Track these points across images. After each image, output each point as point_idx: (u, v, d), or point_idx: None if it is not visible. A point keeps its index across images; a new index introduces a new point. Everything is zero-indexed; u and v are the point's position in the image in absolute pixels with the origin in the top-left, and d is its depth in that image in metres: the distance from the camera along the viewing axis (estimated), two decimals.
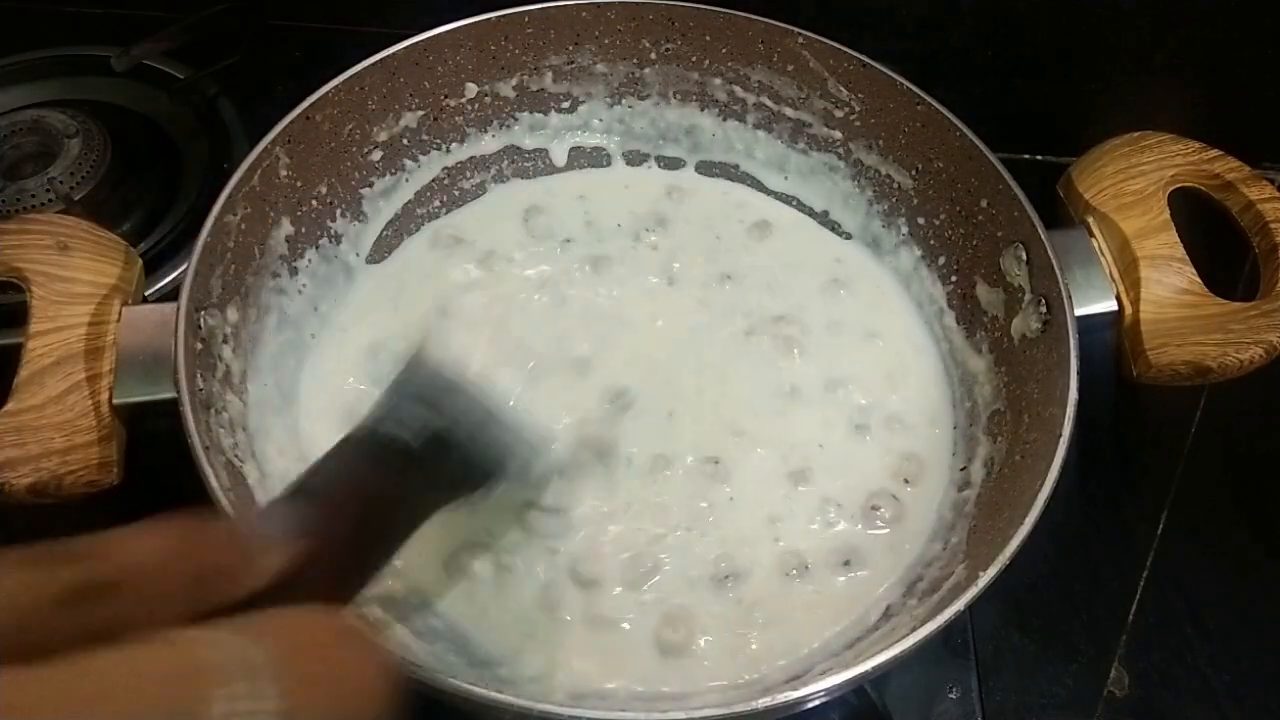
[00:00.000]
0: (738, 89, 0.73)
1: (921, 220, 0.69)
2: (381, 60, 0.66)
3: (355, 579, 0.36)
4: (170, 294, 0.59)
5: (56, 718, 0.19)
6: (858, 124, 0.70)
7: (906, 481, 0.60)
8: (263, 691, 0.21)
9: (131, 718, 0.20)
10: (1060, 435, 0.51)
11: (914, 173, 0.68)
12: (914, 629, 0.46)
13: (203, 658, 0.21)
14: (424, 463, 0.42)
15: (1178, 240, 0.62)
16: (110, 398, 0.54)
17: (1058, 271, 0.57)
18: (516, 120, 0.74)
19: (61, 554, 0.23)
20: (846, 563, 0.57)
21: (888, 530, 0.58)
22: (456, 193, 0.73)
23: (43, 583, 0.22)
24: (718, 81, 0.73)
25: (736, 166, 0.75)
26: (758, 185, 0.75)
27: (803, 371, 0.64)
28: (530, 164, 0.75)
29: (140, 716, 0.20)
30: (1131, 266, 0.61)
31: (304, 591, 0.29)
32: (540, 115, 0.74)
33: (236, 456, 0.54)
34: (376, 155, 0.69)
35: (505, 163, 0.74)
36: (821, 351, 0.66)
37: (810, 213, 0.73)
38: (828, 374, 0.64)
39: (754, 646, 0.54)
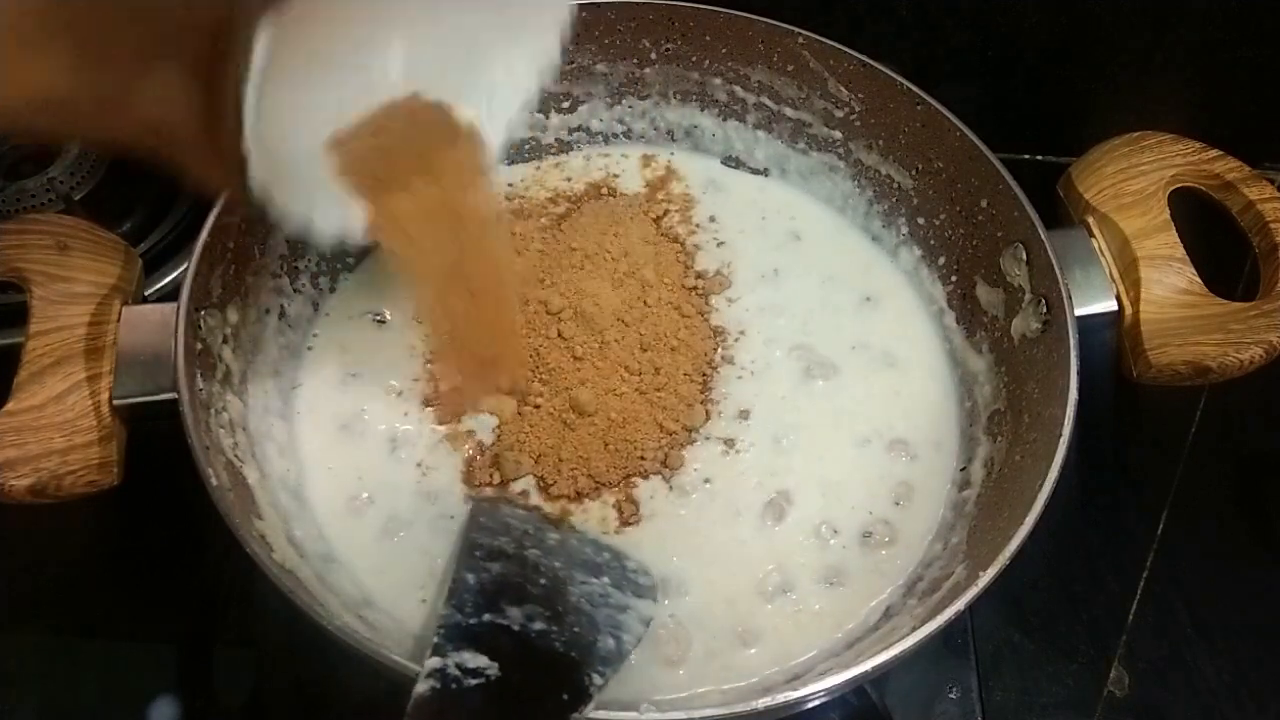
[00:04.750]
0: (738, 89, 0.73)
1: (921, 220, 0.69)
2: None
3: None
4: (170, 294, 0.59)
5: None
6: (858, 124, 0.70)
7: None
8: None
9: None
10: (1060, 435, 0.51)
11: (914, 173, 0.68)
12: (914, 629, 0.46)
13: None
14: (512, 690, 0.39)
15: (1178, 240, 0.62)
16: (110, 398, 0.54)
17: (1058, 271, 0.57)
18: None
19: None
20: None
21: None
22: None
23: None
24: (718, 81, 0.73)
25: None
26: None
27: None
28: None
29: None
30: (1131, 266, 0.61)
31: None
32: (540, 115, 0.74)
33: (236, 457, 0.54)
34: None
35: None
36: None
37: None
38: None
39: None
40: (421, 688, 0.39)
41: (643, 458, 0.60)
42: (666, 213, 0.72)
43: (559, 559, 0.42)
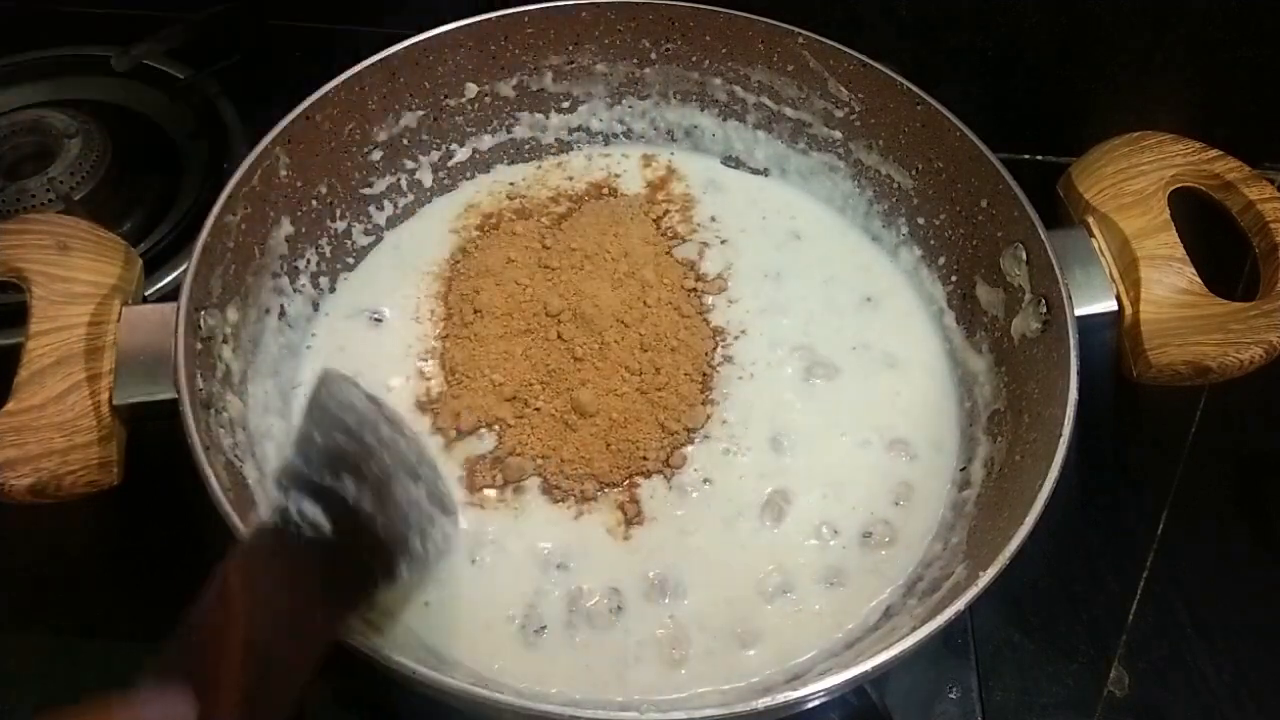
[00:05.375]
0: (738, 89, 0.73)
1: (921, 220, 0.69)
2: (381, 60, 0.66)
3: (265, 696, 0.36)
4: (170, 294, 0.59)
5: None
6: (858, 124, 0.70)
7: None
8: None
9: None
10: (1060, 435, 0.51)
11: (914, 173, 0.68)
12: (914, 629, 0.46)
13: None
14: (336, 556, 0.41)
15: (1178, 240, 0.62)
16: (110, 398, 0.54)
17: (1058, 271, 0.57)
18: (517, 120, 0.74)
19: None
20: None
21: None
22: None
23: None
24: (718, 81, 0.73)
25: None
26: None
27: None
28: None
29: None
30: (1131, 266, 0.61)
31: None
32: (540, 115, 0.74)
33: (236, 456, 0.54)
34: (377, 155, 0.69)
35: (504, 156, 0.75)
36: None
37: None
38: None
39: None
40: (267, 521, 0.41)
41: (644, 457, 0.60)
42: (667, 213, 0.72)
43: (388, 454, 0.44)
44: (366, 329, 0.66)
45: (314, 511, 0.41)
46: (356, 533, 0.42)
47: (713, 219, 0.72)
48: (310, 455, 0.42)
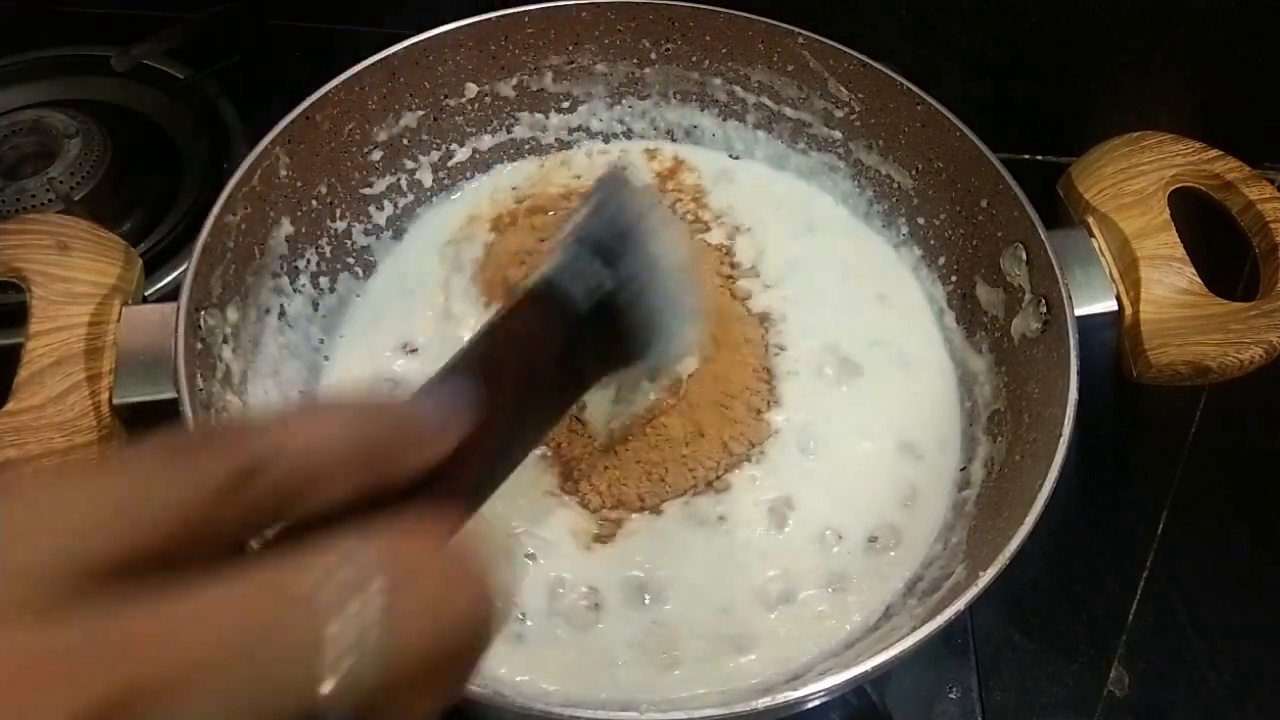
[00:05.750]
0: (738, 89, 0.73)
1: (921, 220, 0.69)
2: (381, 60, 0.66)
3: (507, 460, 0.34)
4: (170, 294, 0.59)
5: (162, 653, 0.19)
6: (858, 124, 0.70)
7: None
8: (370, 603, 0.21)
9: (249, 642, 0.20)
10: (1060, 435, 0.51)
11: (914, 173, 0.68)
12: (914, 629, 0.46)
13: (316, 580, 0.21)
14: (589, 329, 0.39)
15: (1178, 240, 0.62)
16: (110, 398, 0.54)
17: (1058, 271, 0.57)
18: (517, 120, 0.74)
19: (228, 439, 0.23)
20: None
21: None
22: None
23: (206, 473, 0.22)
24: (718, 81, 0.73)
25: None
26: None
27: None
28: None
29: (258, 637, 0.20)
30: (1131, 266, 0.61)
31: (462, 477, 0.28)
32: (540, 115, 0.74)
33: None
34: (377, 155, 0.69)
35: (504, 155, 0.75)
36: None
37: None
38: None
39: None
40: (537, 288, 0.39)
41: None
42: (679, 201, 0.72)
43: (647, 266, 0.43)
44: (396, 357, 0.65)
45: (585, 285, 0.40)
46: (617, 313, 0.41)
47: (730, 207, 0.72)
48: (594, 231, 0.42)
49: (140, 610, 0.19)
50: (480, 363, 0.34)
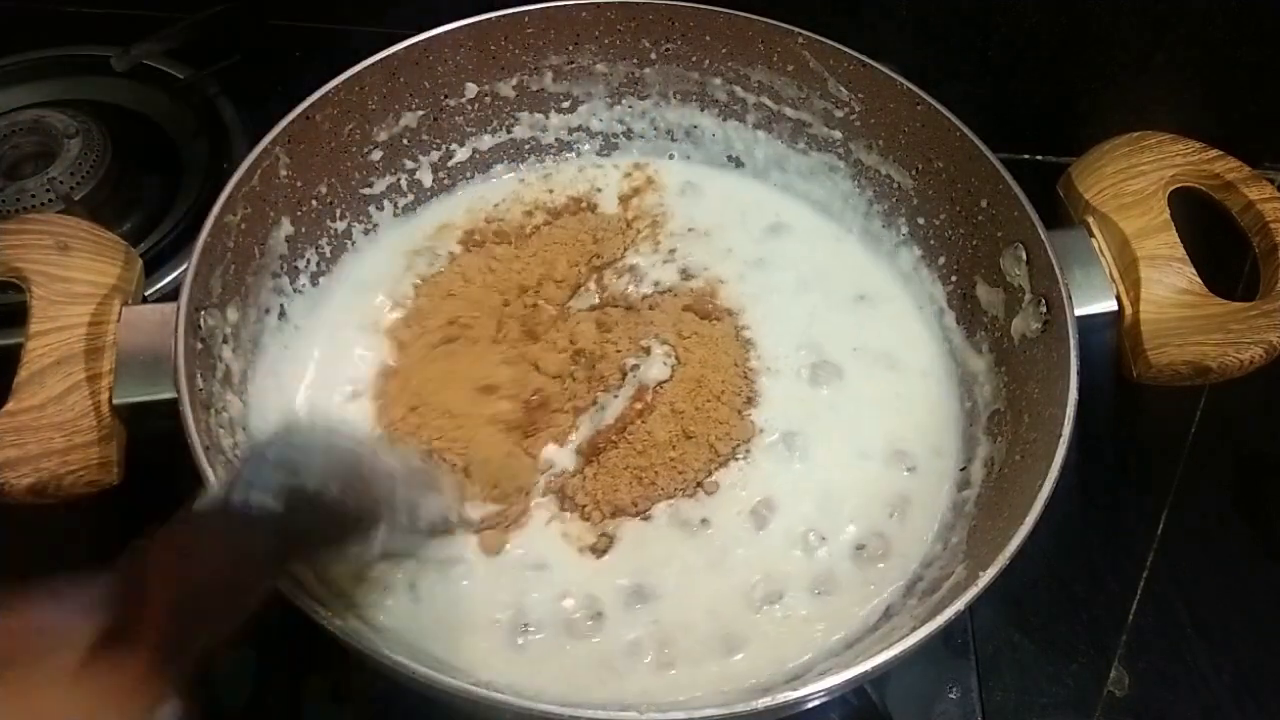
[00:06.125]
0: (738, 89, 0.73)
1: (921, 220, 0.69)
2: (381, 60, 0.66)
3: (186, 638, 0.36)
4: (170, 294, 0.59)
5: None
6: (858, 124, 0.70)
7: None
8: None
9: None
10: (1060, 435, 0.51)
11: (914, 173, 0.68)
12: (914, 629, 0.46)
13: None
14: (283, 521, 0.41)
15: (1178, 240, 0.62)
16: (110, 398, 0.54)
17: (1058, 271, 0.57)
18: (517, 120, 0.74)
19: None
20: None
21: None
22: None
23: None
24: (718, 81, 0.73)
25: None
26: None
27: None
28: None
29: None
30: (1131, 266, 0.61)
31: (122, 652, 0.31)
32: (540, 115, 0.74)
33: (236, 456, 0.54)
34: (376, 155, 0.69)
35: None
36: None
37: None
38: None
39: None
40: (211, 499, 0.41)
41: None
42: (637, 222, 0.72)
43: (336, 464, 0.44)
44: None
45: (264, 498, 0.41)
46: (312, 510, 0.42)
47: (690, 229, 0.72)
48: (259, 468, 0.42)
49: None
50: (135, 567, 0.38)
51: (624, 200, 0.74)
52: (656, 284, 0.69)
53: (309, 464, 0.42)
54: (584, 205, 0.73)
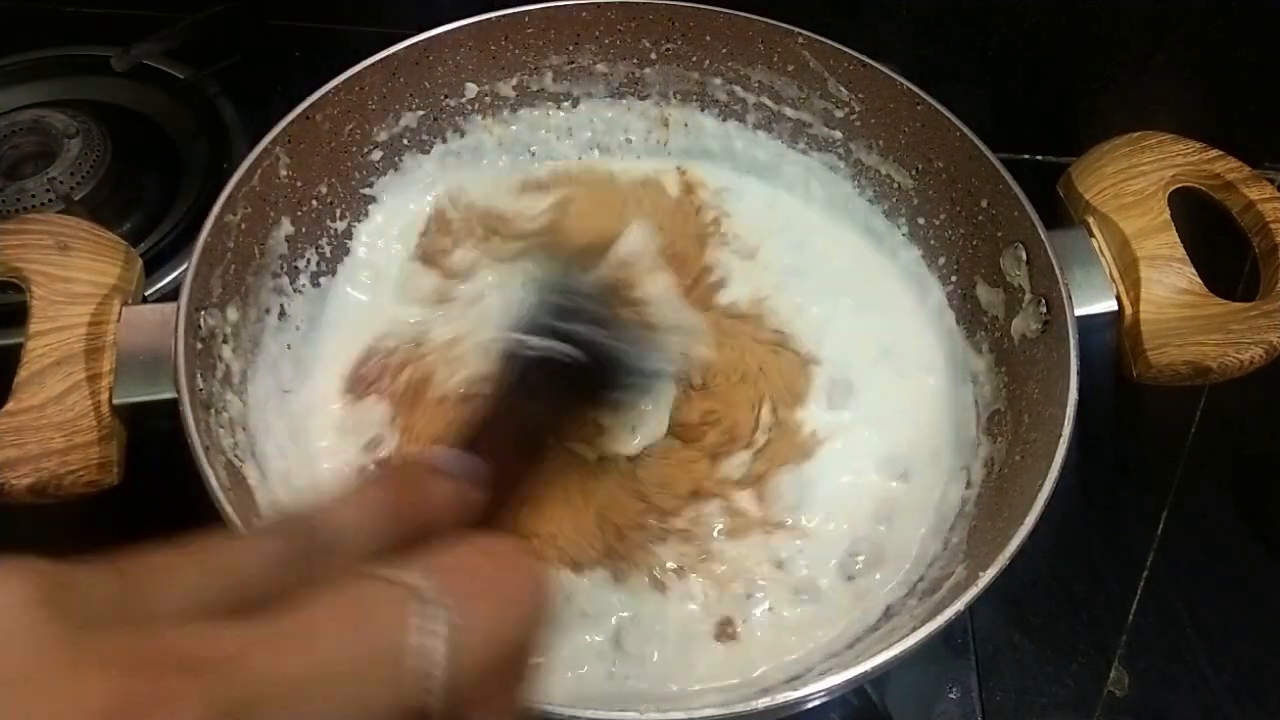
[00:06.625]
0: (738, 89, 0.73)
1: (921, 220, 0.69)
2: (381, 60, 0.66)
3: (518, 498, 0.39)
4: (170, 294, 0.59)
5: (270, 660, 0.22)
6: (858, 124, 0.70)
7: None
8: (436, 615, 0.24)
9: (336, 655, 0.23)
10: (1060, 435, 0.51)
11: (914, 173, 0.68)
12: (914, 629, 0.46)
13: (390, 594, 0.24)
14: (571, 376, 0.43)
15: (1178, 240, 0.62)
16: (110, 398, 0.54)
17: (1058, 271, 0.57)
18: (517, 120, 0.74)
19: (289, 522, 0.28)
20: None
21: None
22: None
23: (268, 547, 0.26)
24: (718, 81, 0.73)
25: None
26: None
27: None
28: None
29: (344, 651, 0.23)
30: (1131, 267, 0.61)
31: (483, 521, 0.33)
32: (540, 115, 0.74)
33: (236, 456, 0.54)
34: (377, 155, 0.69)
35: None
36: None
37: None
38: None
39: None
40: (510, 355, 0.43)
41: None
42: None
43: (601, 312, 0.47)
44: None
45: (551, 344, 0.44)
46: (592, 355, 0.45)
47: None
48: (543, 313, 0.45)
49: (252, 626, 0.23)
50: (488, 436, 0.39)
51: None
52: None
53: (585, 308, 0.46)
54: None
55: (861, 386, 0.64)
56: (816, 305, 0.67)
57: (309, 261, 0.66)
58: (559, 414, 0.44)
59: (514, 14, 0.69)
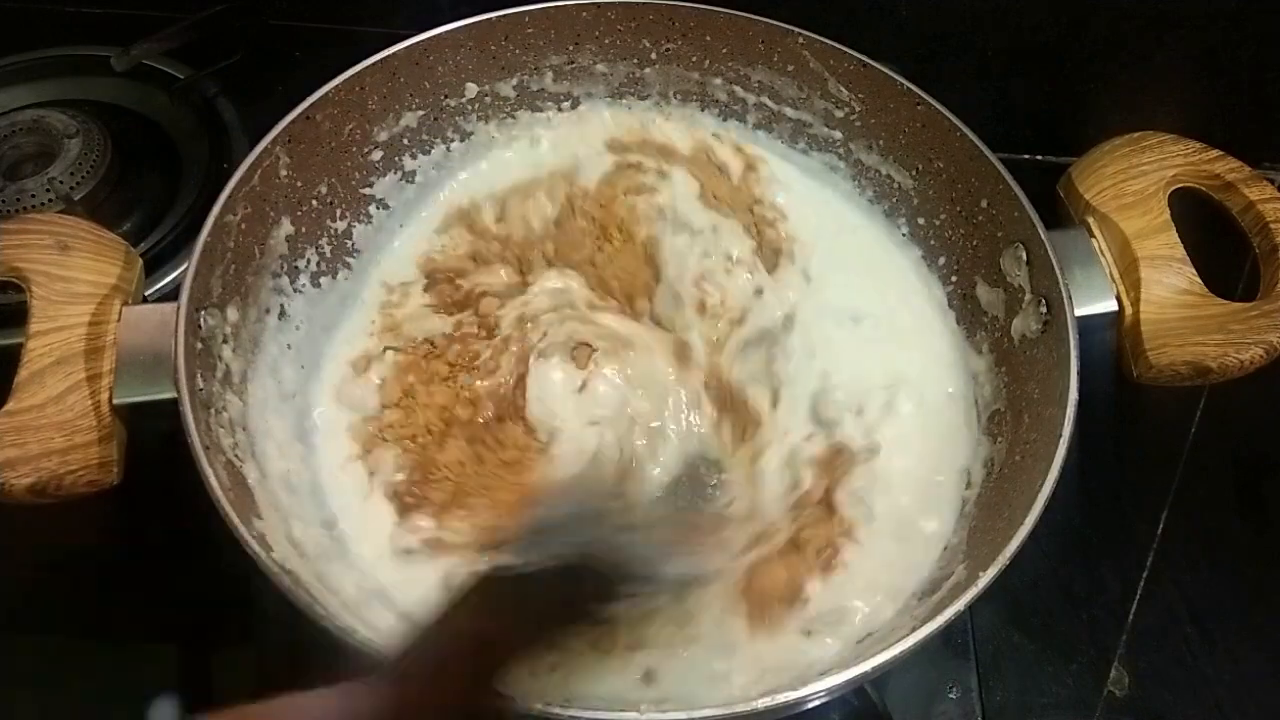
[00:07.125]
0: (738, 89, 0.73)
1: (921, 220, 0.69)
2: (381, 60, 0.66)
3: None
4: (170, 294, 0.59)
5: None
6: (858, 124, 0.70)
7: None
8: None
9: None
10: (1060, 435, 0.51)
11: (914, 173, 0.68)
12: (914, 629, 0.46)
13: None
14: (548, 590, 0.43)
15: (1178, 240, 0.62)
16: (110, 397, 0.54)
17: (1058, 271, 0.57)
18: (516, 120, 0.74)
19: None
20: None
21: None
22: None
23: None
24: (718, 81, 0.73)
25: None
26: None
27: None
28: None
29: None
30: (1132, 267, 0.61)
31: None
32: (541, 115, 0.74)
33: (236, 456, 0.54)
34: (377, 155, 0.69)
35: None
36: None
37: None
38: None
39: None
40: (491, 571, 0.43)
41: None
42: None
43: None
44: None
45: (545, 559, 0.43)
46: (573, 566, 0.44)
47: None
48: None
49: None
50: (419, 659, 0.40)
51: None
52: None
53: (579, 527, 0.45)
54: None
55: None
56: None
57: (309, 261, 0.66)
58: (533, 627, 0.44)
59: (514, 14, 0.69)
